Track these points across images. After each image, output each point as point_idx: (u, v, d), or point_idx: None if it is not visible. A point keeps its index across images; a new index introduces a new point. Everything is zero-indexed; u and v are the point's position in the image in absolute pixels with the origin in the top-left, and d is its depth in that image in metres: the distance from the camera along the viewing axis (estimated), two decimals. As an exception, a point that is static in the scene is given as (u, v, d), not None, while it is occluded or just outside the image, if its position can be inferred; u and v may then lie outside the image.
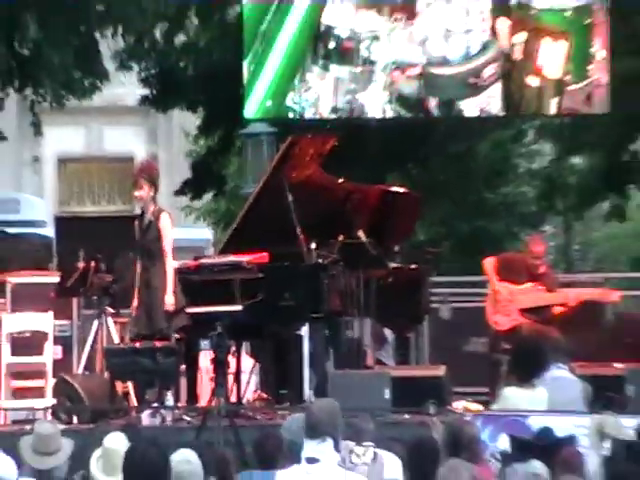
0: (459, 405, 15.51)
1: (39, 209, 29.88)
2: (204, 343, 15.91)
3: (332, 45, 22.10)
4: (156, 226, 15.72)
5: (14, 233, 23.98)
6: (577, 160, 31.79)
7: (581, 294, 18.00)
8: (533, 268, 17.31)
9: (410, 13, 21.76)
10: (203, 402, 15.65)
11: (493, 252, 22.12)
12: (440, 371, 16.09)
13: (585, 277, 23.42)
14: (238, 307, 14.89)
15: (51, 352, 17.78)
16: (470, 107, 22.60)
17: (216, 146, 32.29)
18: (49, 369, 17.40)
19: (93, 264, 16.60)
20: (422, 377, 16.11)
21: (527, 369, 13.68)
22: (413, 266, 17.87)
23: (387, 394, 14.73)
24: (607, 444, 10.17)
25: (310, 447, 7.96)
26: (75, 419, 15.06)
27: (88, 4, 25.60)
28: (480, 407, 14.81)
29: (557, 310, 17.40)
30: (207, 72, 27.64)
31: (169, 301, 15.25)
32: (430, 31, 22.12)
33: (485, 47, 22.01)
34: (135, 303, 15.92)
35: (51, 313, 17.88)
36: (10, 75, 25.62)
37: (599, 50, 21.46)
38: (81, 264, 16.51)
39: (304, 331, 16.67)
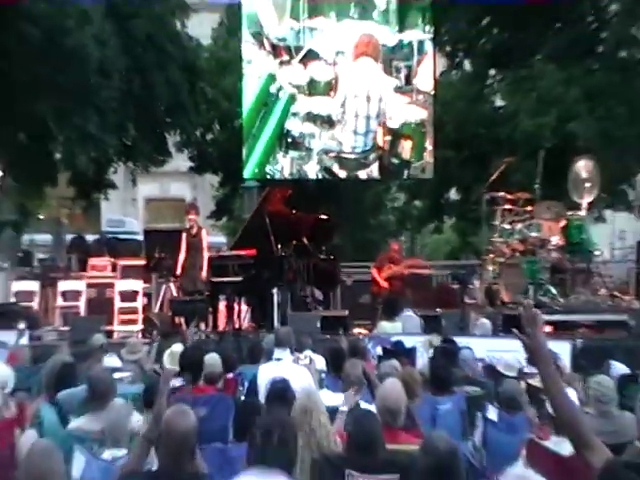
0: (356, 330, 18.29)
1: (134, 225, 32.85)
2: (221, 296, 18.73)
3: (290, 140, 26.14)
4: (199, 235, 18.53)
5: (121, 238, 26.63)
6: (417, 202, 34.00)
7: (411, 269, 21.79)
8: (393, 258, 21.02)
9: (332, 124, 25.90)
10: (220, 328, 18.62)
11: (375, 250, 27.74)
12: (345, 313, 19.36)
13: (422, 263, 25.85)
14: (239, 278, 17.86)
15: (141, 300, 20.81)
16: (362, 174, 27.09)
17: (229, 192, 36.06)
18: (140, 309, 20.63)
19: (163, 255, 20.09)
20: (336, 316, 18.88)
21: (390, 311, 16.97)
22: (332, 257, 20.98)
23: (318, 324, 17.40)
24: (431, 351, 12.39)
25: (277, 352, 10.44)
26: (154, 335, 16.45)
27: (162, 122, 30.06)
28: (367, 332, 17.62)
29: (403, 278, 20.53)
30: (223, 153, 31.85)
31: (204, 274, 18.11)
32: (343, 133, 26.19)
33: (372, 144, 26.22)
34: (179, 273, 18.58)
35: (141, 280, 21.30)
36: (120, 155, 29.32)
37: (429, 145, 25.90)
38: (157, 255, 20.27)
39: (275, 291, 18.57)
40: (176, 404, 5.71)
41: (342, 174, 26.94)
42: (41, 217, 32.85)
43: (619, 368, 11.19)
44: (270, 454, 4.97)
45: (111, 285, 20.81)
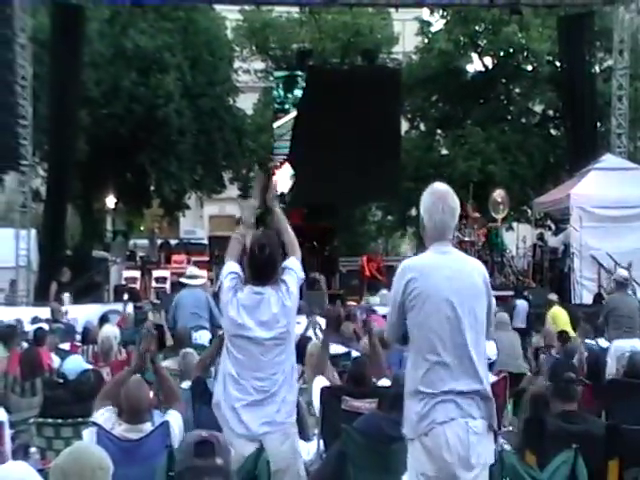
0: (349, 303, 15.98)
1: (201, 234, 31.55)
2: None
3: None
4: (244, 239, 19.55)
5: (193, 242, 25.33)
6: (389, 217, 31.68)
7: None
8: (375, 257, 19.93)
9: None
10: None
11: (362, 249, 25.79)
12: (341, 291, 18.65)
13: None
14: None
15: (205, 279, 17.34)
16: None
17: (264, 211, 33.10)
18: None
19: (219, 253, 17.52)
20: (335, 293, 17.87)
21: (372, 290, 17.17)
22: (332, 254, 20.89)
23: (326, 299, 15.88)
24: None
25: (297, 318, 9.04)
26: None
27: (220, 165, 29.31)
28: (356, 303, 16.22)
29: (379, 270, 19.01)
30: None
31: None
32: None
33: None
34: None
35: (205, 270, 17.84)
36: (192, 186, 28.86)
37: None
38: (216, 253, 18.42)
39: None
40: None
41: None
42: (141, 228, 33.12)
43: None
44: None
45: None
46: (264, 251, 4.43)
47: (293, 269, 4.47)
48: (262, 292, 4.39)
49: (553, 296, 13.52)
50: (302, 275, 4.56)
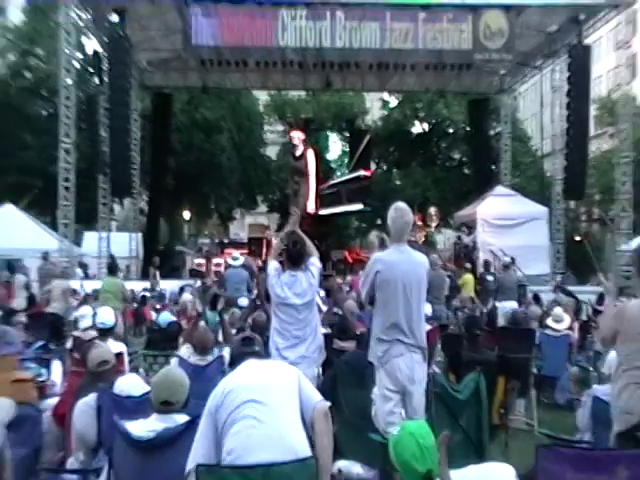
0: (338, 280, 12.76)
1: (243, 236, 27.93)
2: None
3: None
4: (271, 239, 16.20)
5: (237, 241, 23.66)
6: (364, 224, 29.58)
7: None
8: (353, 251, 19.38)
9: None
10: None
11: (346, 245, 24.93)
12: (333, 273, 14.62)
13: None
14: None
15: (243, 260, 18.66)
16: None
17: (285, 220, 27.98)
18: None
19: (254, 249, 16.58)
20: (328, 274, 14.04)
21: (350, 271, 15.45)
22: (326, 248, 16.67)
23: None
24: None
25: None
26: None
27: (254, 191, 28.40)
28: (342, 281, 12.95)
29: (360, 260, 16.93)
30: (283, 204, 26.24)
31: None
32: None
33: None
34: None
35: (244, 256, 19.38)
36: (238, 205, 28.59)
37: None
38: (252, 248, 16.68)
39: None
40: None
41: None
42: (205, 232, 32.66)
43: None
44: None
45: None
46: (296, 246, 4.36)
47: (314, 262, 4.39)
48: (295, 274, 4.31)
49: (468, 265, 13.28)
50: (320, 265, 4.47)
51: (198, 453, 2.39)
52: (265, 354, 4.04)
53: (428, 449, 1.99)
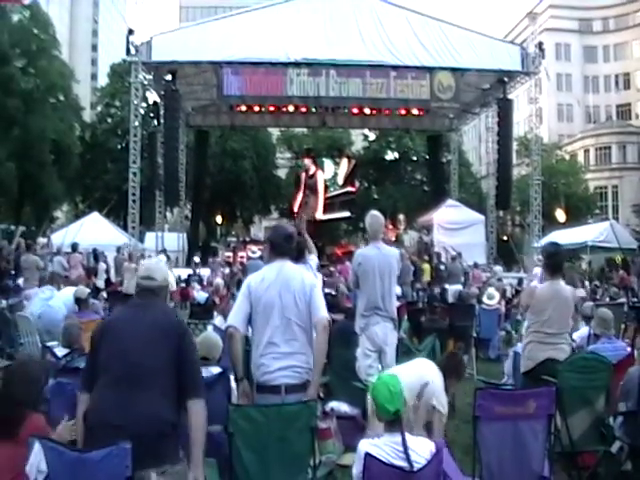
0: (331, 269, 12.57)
1: (261, 235, 26.60)
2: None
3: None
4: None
5: (257, 240, 21.91)
6: (351, 227, 27.56)
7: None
8: (342, 246, 18.60)
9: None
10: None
11: (337, 243, 23.68)
12: (327, 263, 13.65)
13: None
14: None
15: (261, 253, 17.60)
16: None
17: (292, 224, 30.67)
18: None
19: None
20: (322, 264, 13.28)
21: (340, 262, 16.11)
22: (321, 244, 16.86)
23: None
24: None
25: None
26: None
27: (269, 202, 27.74)
28: (334, 270, 12.10)
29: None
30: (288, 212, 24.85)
31: None
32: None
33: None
34: None
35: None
36: (257, 213, 28.09)
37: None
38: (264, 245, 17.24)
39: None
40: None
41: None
42: (233, 233, 31.29)
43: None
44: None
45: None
46: (299, 245, 3.63)
47: (313, 258, 4.17)
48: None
49: (426, 258, 13.04)
50: (317, 260, 4.28)
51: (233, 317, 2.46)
52: None
53: (397, 394, 1.98)
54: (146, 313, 1.95)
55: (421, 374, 2.68)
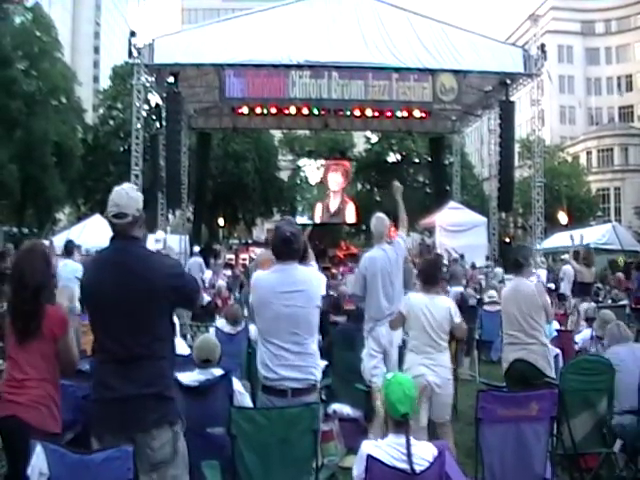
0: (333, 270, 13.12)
1: (263, 237, 26.46)
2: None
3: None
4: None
5: (259, 242, 22.32)
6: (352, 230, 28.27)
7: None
8: (344, 247, 19.21)
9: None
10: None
11: (338, 246, 22.69)
12: (329, 265, 14.67)
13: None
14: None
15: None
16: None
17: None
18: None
19: None
20: (324, 266, 14.55)
21: (342, 263, 15.60)
22: (323, 248, 17.73)
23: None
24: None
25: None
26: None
27: (271, 205, 27.55)
28: (336, 271, 13.30)
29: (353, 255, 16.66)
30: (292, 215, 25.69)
31: None
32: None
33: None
34: None
35: None
36: (259, 215, 28.08)
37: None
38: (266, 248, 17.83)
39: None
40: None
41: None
42: (235, 235, 31.57)
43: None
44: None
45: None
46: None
47: (312, 264, 4.00)
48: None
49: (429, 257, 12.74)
50: (316, 265, 4.10)
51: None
52: None
53: (410, 397, 1.99)
54: (128, 274, 1.89)
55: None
